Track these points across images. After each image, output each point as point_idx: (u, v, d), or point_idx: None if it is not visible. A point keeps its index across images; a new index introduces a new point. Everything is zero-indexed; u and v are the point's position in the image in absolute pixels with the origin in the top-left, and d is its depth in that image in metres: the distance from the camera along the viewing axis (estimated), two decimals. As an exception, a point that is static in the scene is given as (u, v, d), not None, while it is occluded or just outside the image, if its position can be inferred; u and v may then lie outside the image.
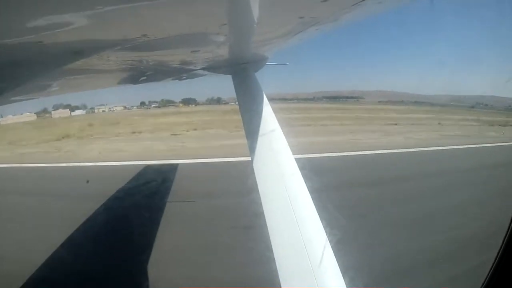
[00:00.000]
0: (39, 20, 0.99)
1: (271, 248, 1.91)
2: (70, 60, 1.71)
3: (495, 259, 2.20)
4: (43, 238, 6.61)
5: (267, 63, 3.46)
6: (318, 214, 1.98)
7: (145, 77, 3.13)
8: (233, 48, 2.31)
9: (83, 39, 1.37)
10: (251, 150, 2.38)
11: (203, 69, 3.28)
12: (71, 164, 13.61)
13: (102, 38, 1.44)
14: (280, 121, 2.48)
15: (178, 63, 2.77)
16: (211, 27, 1.53)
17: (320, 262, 1.72)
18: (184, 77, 3.88)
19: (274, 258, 1.86)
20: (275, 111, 2.58)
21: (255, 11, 1.29)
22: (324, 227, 1.92)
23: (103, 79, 3.07)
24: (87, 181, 9.95)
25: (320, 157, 12.47)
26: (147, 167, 12.11)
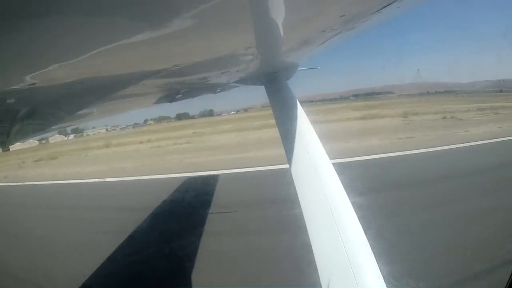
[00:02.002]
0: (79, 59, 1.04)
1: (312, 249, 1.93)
2: (108, 92, 1.80)
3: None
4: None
5: (298, 69, 3.43)
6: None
7: (180, 95, 3.22)
8: (263, 61, 2.34)
9: (118, 74, 1.44)
10: (289, 157, 2.38)
11: (236, 82, 3.32)
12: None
13: (135, 71, 1.50)
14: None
15: (212, 81, 2.83)
16: (240, 48, 1.57)
17: (360, 263, 1.72)
18: (218, 90, 3.94)
19: (314, 260, 1.87)
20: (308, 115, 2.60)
21: (280, 28, 1.31)
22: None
23: (139, 101, 3.19)
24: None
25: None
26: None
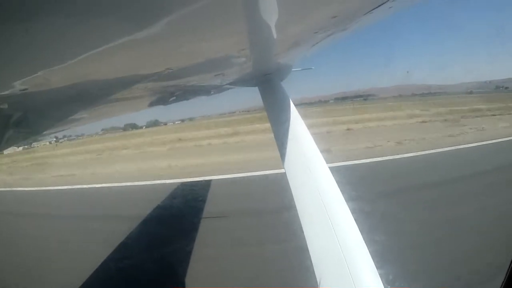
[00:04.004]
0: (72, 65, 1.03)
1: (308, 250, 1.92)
2: (100, 96, 1.79)
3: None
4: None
5: (292, 70, 3.44)
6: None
7: (174, 97, 3.20)
8: (257, 63, 2.34)
9: (110, 78, 1.43)
10: (284, 160, 2.38)
11: (230, 84, 3.32)
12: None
13: (127, 75, 1.49)
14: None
15: (206, 83, 2.82)
16: (234, 50, 1.56)
17: (357, 263, 1.72)
18: (213, 92, 3.93)
19: (311, 260, 1.86)
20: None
21: (273, 29, 1.32)
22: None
23: (132, 105, 3.17)
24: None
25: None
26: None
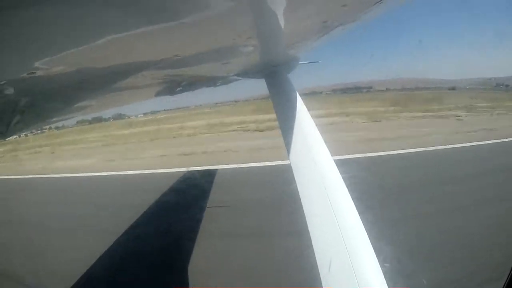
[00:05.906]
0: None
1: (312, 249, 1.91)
2: (108, 83, 1.80)
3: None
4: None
5: (299, 62, 3.41)
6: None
7: (181, 88, 3.21)
8: (264, 55, 2.32)
9: (119, 63, 1.43)
10: (289, 152, 2.38)
11: (237, 75, 3.31)
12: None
13: (135, 60, 1.49)
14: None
15: (212, 73, 2.82)
16: (241, 40, 1.55)
17: (362, 261, 1.71)
18: (219, 83, 3.93)
19: (315, 259, 1.85)
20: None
21: (281, 19, 1.31)
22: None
23: (140, 93, 3.19)
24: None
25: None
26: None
